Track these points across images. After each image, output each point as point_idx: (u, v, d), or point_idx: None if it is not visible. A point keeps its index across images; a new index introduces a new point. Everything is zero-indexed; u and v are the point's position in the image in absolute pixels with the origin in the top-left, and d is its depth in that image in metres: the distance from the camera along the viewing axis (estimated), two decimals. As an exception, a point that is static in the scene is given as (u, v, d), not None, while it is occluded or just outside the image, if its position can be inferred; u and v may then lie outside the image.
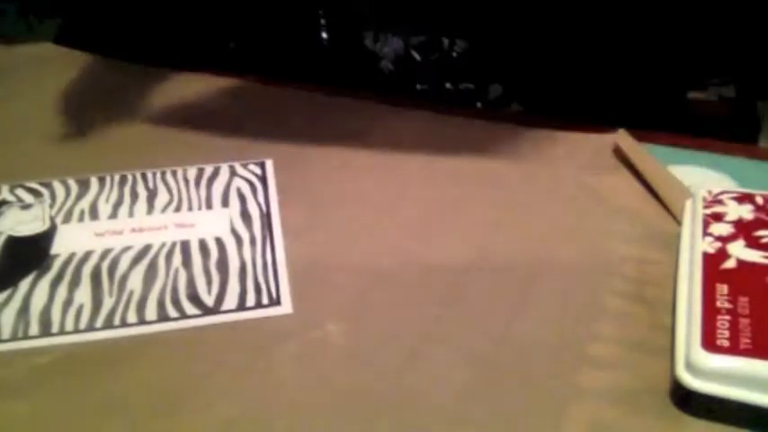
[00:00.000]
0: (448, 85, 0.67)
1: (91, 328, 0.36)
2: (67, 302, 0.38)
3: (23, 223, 0.44)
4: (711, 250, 0.35)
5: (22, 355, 0.35)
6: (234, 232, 0.43)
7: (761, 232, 0.36)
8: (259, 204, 0.45)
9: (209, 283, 0.39)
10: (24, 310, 0.37)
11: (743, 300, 0.32)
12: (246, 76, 0.61)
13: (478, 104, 0.66)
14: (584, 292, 0.37)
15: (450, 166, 0.49)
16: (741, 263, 0.34)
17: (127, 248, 0.41)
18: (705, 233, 0.36)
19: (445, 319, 0.36)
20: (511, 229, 0.42)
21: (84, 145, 0.53)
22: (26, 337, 0.36)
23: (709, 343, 0.30)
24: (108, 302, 0.38)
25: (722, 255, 0.35)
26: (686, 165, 0.47)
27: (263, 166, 0.49)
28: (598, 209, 0.44)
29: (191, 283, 0.39)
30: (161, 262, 0.41)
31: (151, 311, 0.37)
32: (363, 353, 0.34)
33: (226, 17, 0.69)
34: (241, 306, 0.37)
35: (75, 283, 0.39)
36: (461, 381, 0.33)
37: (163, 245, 0.42)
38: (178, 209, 0.45)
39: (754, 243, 0.35)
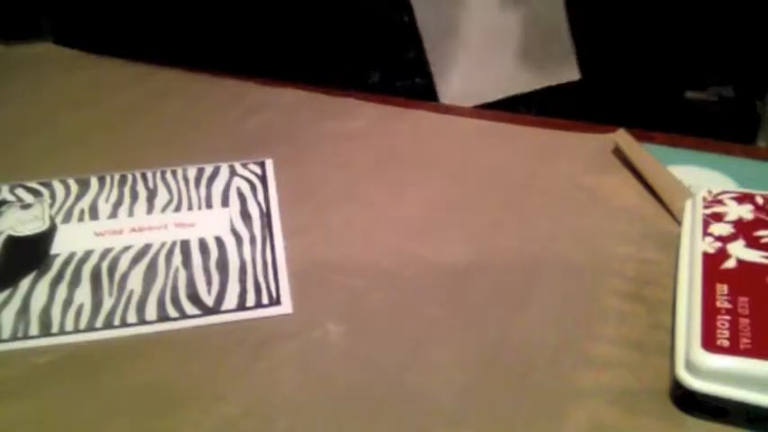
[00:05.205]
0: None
1: (91, 327, 0.36)
2: (67, 302, 0.38)
3: (23, 223, 0.44)
4: (711, 250, 0.35)
5: (22, 355, 0.35)
6: (234, 232, 0.43)
7: (761, 232, 0.36)
8: (259, 204, 0.45)
9: (209, 282, 0.39)
10: (24, 310, 0.37)
11: (743, 300, 0.32)
12: (246, 76, 0.61)
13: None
14: (584, 292, 0.37)
15: (450, 166, 0.49)
16: (741, 263, 0.34)
17: (127, 248, 0.41)
18: (705, 233, 0.36)
19: (445, 319, 0.36)
20: (511, 229, 0.42)
21: (85, 145, 0.53)
22: (26, 337, 0.36)
23: (709, 343, 0.30)
24: (108, 302, 0.38)
25: (722, 255, 0.35)
26: (686, 165, 0.47)
27: (263, 165, 0.49)
28: (598, 209, 0.44)
29: (191, 282, 0.39)
30: (161, 262, 0.41)
31: (151, 311, 0.37)
32: (363, 353, 0.34)
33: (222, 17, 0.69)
34: (241, 306, 0.37)
35: (75, 282, 0.39)
36: (461, 381, 0.33)
37: (163, 244, 0.42)
38: (178, 208, 0.45)
39: (754, 243, 0.35)
